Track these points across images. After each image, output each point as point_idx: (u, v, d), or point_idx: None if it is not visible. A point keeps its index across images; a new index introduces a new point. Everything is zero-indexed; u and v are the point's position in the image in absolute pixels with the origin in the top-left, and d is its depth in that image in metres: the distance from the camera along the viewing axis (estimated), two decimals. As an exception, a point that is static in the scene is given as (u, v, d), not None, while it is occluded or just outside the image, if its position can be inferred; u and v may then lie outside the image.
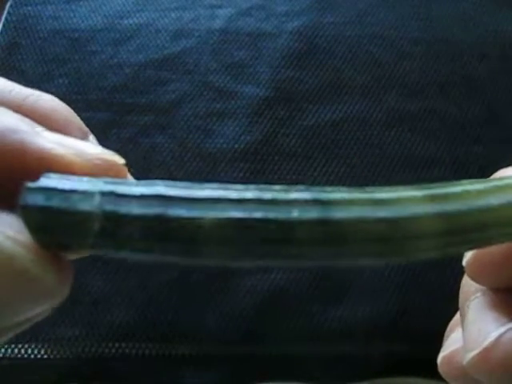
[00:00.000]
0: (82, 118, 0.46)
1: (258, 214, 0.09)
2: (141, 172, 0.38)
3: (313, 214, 0.09)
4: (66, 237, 0.10)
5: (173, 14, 0.47)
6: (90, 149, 0.11)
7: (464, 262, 0.14)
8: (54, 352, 0.31)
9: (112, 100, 0.41)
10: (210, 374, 0.32)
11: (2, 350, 0.31)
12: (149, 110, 0.41)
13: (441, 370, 0.16)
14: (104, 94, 0.42)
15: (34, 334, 0.32)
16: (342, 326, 0.33)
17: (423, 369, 0.32)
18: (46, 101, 0.13)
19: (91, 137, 0.14)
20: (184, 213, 0.09)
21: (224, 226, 0.09)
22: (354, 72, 0.43)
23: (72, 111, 0.14)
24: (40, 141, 0.11)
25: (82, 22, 0.46)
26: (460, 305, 0.15)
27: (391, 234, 0.09)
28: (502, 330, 0.12)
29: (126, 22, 0.46)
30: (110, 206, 0.10)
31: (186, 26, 0.46)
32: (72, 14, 0.47)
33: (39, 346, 0.31)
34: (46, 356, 0.31)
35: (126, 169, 0.12)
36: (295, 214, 0.09)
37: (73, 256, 0.12)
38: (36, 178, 0.10)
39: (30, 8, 0.47)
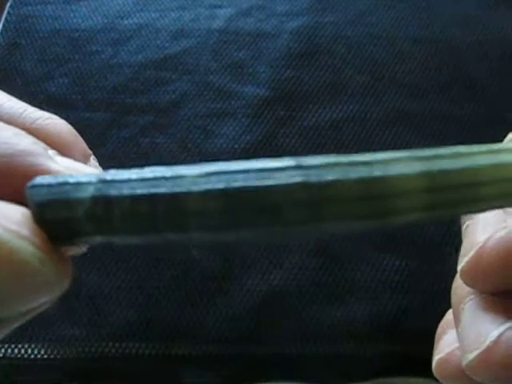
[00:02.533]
0: (81, 118, 0.46)
1: (238, 184, 0.09)
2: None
3: (295, 178, 0.09)
4: (62, 226, 0.10)
5: (173, 14, 0.47)
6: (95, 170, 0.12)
7: (459, 268, 0.14)
8: (54, 352, 0.31)
9: (112, 100, 0.41)
10: (210, 374, 0.32)
11: (2, 350, 0.31)
12: (149, 110, 0.41)
13: (436, 372, 0.15)
14: (104, 93, 0.42)
15: (34, 333, 0.32)
16: (342, 325, 0.33)
17: (423, 369, 0.32)
18: (55, 124, 0.14)
19: (92, 158, 0.15)
20: (169, 189, 0.10)
21: (208, 198, 0.09)
22: (353, 72, 0.43)
23: (77, 135, 0.14)
24: (52, 165, 0.11)
25: (82, 21, 0.46)
26: (453, 307, 0.15)
27: (371, 192, 0.09)
28: (502, 329, 0.12)
29: (125, 21, 0.46)
30: (98, 191, 0.10)
31: (186, 26, 0.46)
32: (72, 14, 0.47)
33: (39, 346, 0.31)
34: (45, 356, 0.31)
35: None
36: (276, 180, 0.09)
37: (74, 248, 0.13)
38: None
39: (29, 8, 0.47)
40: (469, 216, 0.14)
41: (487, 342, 0.12)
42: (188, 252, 0.35)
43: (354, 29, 0.46)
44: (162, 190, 0.10)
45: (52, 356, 0.31)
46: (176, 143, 0.39)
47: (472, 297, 0.14)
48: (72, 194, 0.10)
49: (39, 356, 0.31)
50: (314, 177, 0.09)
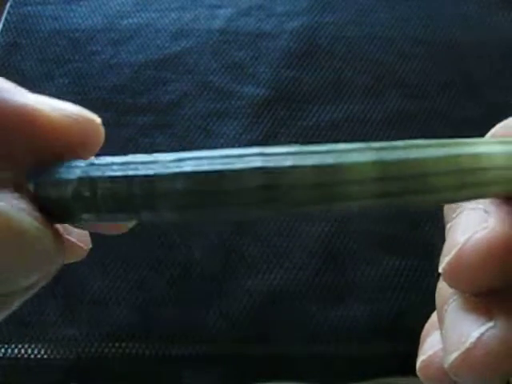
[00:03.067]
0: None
1: (203, 168, 0.10)
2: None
3: (255, 163, 0.10)
4: (55, 205, 0.11)
5: (173, 14, 0.47)
6: (71, 107, 0.12)
7: (440, 269, 0.14)
8: (54, 352, 0.31)
9: (112, 100, 0.41)
10: (210, 373, 0.32)
11: (2, 350, 0.31)
12: (149, 110, 0.41)
13: (420, 373, 0.16)
14: (104, 93, 0.42)
15: (34, 334, 0.32)
16: (342, 326, 0.33)
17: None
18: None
19: None
20: (143, 172, 0.11)
21: (176, 180, 0.11)
22: (354, 72, 0.43)
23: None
24: (22, 99, 0.11)
25: (82, 21, 0.46)
26: (437, 308, 0.15)
27: (324, 178, 0.10)
28: (483, 329, 0.12)
29: (125, 21, 0.46)
30: (84, 173, 0.11)
31: (186, 26, 0.46)
32: (72, 14, 0.47)
33: (39, 346, 0.31)
34: (46, 356, 0.31)
35: (102, 127, 0.13)
36: (237, 165, 0.10)
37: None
38: (18, 135, 0.11)
39: (29, 8, 0.47)
40: (452, 217, 0.14)
41: (468, 343, 0.12)
42: (188, 252, 0.35)
43: (354, 29, 0.46)
44: (138, 172, 0.11)
45: (52, 356, 0.31)
46: (176, 143, 0.39)
47: (455, 298, 0.14)
48: (63, 175, 0.11)
49: (39, 356, 0.31)
50: (272, 163, 0.10)
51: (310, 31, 0.46)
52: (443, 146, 0.11)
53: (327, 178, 0.10)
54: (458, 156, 0.11)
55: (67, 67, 0.43)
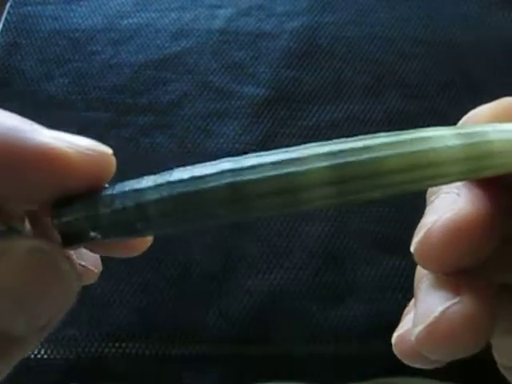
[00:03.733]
0: (81, 118, 0.46)
1: (176, 191, 0.12)
2: (141, 172, 0.38)
3: (225, 181, 0.11)
4: (73, 228, 0.13)
5: (173, 14, 0.47)
6: (85, 141, 0.13)
7: (412, 249, 0.14)
8: (54, 352, 0.31)
9: (112, 100, 0.41)
10: (210, 373, 0.32)
11: (2, 350, 0.31)
12: (149, 110, 0.41)
13: (395, 349, 0.16)
14: (104, 93, 0.42)
15: (33, 334, 0.32)
16: (342, 326, 0.33)
17: (423, 369, 0.32)
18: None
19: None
20: (134, 201, 0.12)
21: (159, 204, 0.12)
22: (353, 72, 0.43)
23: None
24: (40, 137, 0.12)
25: (82, 21, 0.46)
26: (414, 288, 0.16)
27: (285, 186, 0.11)
28: (447, 304, 0.13)
29: (125, 21, 0.46)
30: (94, 203, 0.13)
31: (186, 26, 0.46)
32: (72, 14, 0.47)
33: (39, 346, 0.31)
34: (46, 356, 0.31)
35: (113, 158, 0.14)
36: (208, 184, 0.12)
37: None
38: (37, 173, 0.12)
39: (29, 8, 0.47)
40: (431, 201, 0.15)
41: (432, 317, 0.13)
42: (188, 252, 0.35)
43: (354, 29, 0.46)
44: (130, 203, 0.12)
45: (52, 356, 0.31)
46: (176, 143, 0.39)
47: (428, 277, 0.14)
48: (77, 205, 0.13)
49: (39, 356, 0.31)
50: (239, 177, 0.11)
51: (310, 31, 0.46)
52: (399, 142, 0.12)
53: (286, 186, 0.11)
54: (411, 153, 0.12)
55: (67, 67, 0.43)
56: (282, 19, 0.47)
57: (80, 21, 0.46)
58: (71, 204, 0.13)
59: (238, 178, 0.11)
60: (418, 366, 0.14)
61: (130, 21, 0.46)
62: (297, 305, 0.33)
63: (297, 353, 0.32)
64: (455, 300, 0.13)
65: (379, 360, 0.32)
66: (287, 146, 0.12)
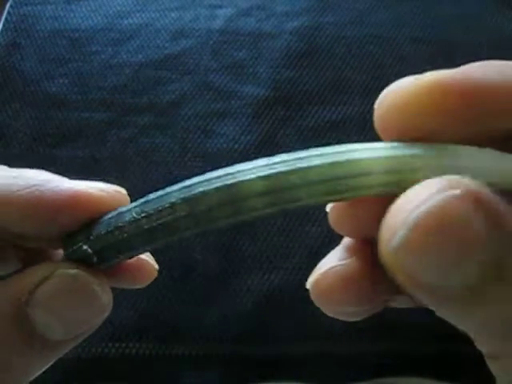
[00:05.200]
0: (81, 118, 0.46)
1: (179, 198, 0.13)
2: (141, 172, 0.38)
3: (181, 195, 0.13)
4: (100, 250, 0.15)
5: (173, 14, 0.47)
6: (105, 185, 0.15)
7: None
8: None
9: (112, 100, 0.41)
10: (210, 373, 0.32)
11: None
12: (149, 110, 0.41)
13: (313, 287, 0.16)
14: (104, 93, 0.42)
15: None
16: (342, 325, 0.33)
17: (424, 368, 0.32)
18: None
19: None
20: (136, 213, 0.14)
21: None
22: (353, 72, 0.43)
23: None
24: (70, 185, 0.15)
25: (82, 21, 0.46)
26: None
27: (230, 198, 0.13)
28: (333, 264, 0.14)
29: (125, 21, 0.46)
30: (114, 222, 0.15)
31: (186, 26, 0.46)
32: (72, 14, 0.47)
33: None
34: (45, 356, 0.31)
35: (126, 194, 0.16)
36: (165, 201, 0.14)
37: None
38: (68, 211, 0.15)
39: (29, 8, 0.47)
40: None
41: (319, 272, 0.14)
42: (189, 252, 0.35)
43: (354, 29, 0.46)
44: (149, 225, 0.14)
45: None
46: (176, 143, 0.39)
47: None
48: (97, 229, 0.15)
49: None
50: (188, 193, 0.13)
51: (310, 31, 0.46)
52: (326, 155, 0.13)
53: (229, 198, 0.13)
54: (333, 166, 0.13)
55: (67, 67, 0.43)
56: (282, 19, 0.47)
57: (80, 21, 0.46)
58: (76, 235, 0.15)
59: (190, 194, 0.13)
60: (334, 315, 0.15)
61: (130, 21, 0.46)
62: (297, 305, 0.33)
63: (296, 353, 0.32)
64: (343, 262, 0.14)
65: (379, 360, 0.32)
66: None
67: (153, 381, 0.33)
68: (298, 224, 0.36)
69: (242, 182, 0.13)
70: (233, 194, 0.13)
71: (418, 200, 0.10)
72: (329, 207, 0.15)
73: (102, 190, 0.15)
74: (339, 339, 0.32)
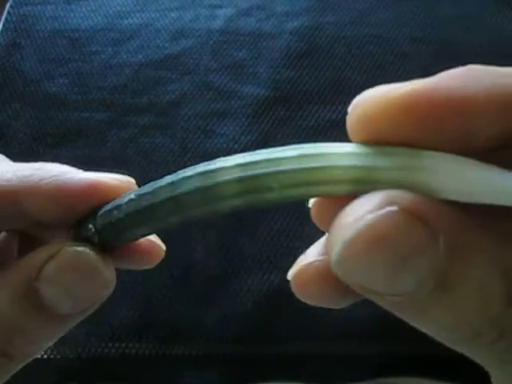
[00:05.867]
0: (81, 118, 0.46)
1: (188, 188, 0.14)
2: (141, 172, 0.38)
3: (167, 194, 0.15)
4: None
5: (173, 14, 0.47)
6: (117, 175, 0.17)
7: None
8: (54, 352, 0.31)
9: (112, 100, 0.41)
10: (210, 373, 0.32)
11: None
12: (149, 110, 0.41)
13: (294, 280, 0.17)
14: (104, 93, 0.42)
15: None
16: (342, 325, 0.33)
17: (423, 368, 0.32)
18: None
19: None
20: (137, 207, 0.15)
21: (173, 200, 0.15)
22: (353, 72, 0.43)
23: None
24: (85, 175, 0.16)
25: (82, 21, 0.46)
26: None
27: (208, 197, 0.14)
28: (312, 259, 0.15)
29: (125, 21, 0.46)
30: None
31: (186, 26, 0.46)
32: (72, 14, 0.47)
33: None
34: (46, 356, 0.31)
35: (135, 184, 0.17)
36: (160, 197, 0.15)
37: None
38: (83, 199, 0.16)
39: (29, 8, 0.47)
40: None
41: (299, 265, 0.15)
42: (189, 252, 0.35)
43: (354, 29, 0.46)
44: (140, 206, 0.15)
45: (52, 356, 0.31)
46: (176, 143, 0.39)
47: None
48: (104, 216, 0.16)
49: (39, 356, 0.31)
50: (176, 178, 0.15)
51: (310, 31, 0.46)
52: (296, 157, 0.14)
53: (207, 196, 0.14)
54: (302, 170, 0.13)
55: (67, 67, 0.43)
56: (282, 19, 0.47)
57: (80, 21, 0.46)
58: (85, 218, 0.16)
59: (177, 192, 0.14)
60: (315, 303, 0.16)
61: (130, 21, 0.46)
62: (297, 305, 0.33)
63: (297, 353, 0.32)
64: (322, 257, 0.15)
65: (379, 360, 0.32)
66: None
67: (153, 381, 0.33)
68: (298, 224, 0.36)
69: (218, 183, 0.14)
70: (209, 189, 0.14)
71: (353, 217, 0.11)
72: (310, 203, 0.15)
73: (116, 179, 0.16)
74: (339, 339, 0.32)
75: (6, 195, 0.15)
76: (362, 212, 0.11)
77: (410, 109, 0.12)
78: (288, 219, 0.36)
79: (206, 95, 0.42)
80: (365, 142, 0.13)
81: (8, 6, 0.47)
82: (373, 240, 0.11)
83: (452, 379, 0.31)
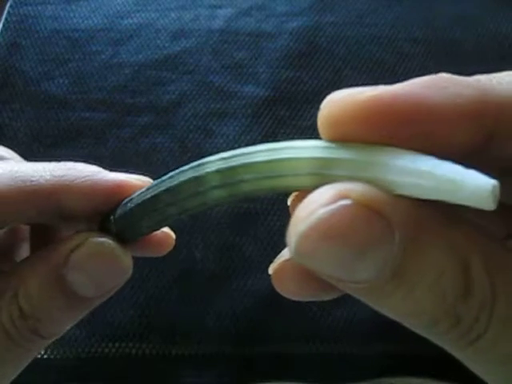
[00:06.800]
0: (81, 118, 0.46)
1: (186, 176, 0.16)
2: (141, 172, 0.38)
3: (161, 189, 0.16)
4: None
5: (173, 14, 0.47)
6: (140, 176, 0.19)
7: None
8: (54, 352, 0.31)
9: (112, 100, 0.41)
10: (210, 373, 0.32)
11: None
12: (149, 110, 0.41)
13: (274, 275, 0.17)
14: (104, 93, 0.42)
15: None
16: (342, 325, 0.33)
17: (423, 369, 0.32)
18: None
19: None
20: (140, 199, 0.17)
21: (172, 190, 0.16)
22: (353, 72, 0.43)
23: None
24: (113, 175, 0.18)
25: (82, 21, 0.46)
26: None
27: (197, 188, 0.15)
28: (288, 256, 0.16)
29: (125, 21, 0.46)
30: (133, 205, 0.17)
31: (186, 26, 0.46)
32: (72, 14, 0.47)
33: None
34: (46, 356, 0.31)
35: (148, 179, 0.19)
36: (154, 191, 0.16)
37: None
38: (106, 198, 0.18)
39: (30, 8, 0.47)
40: None
41: (278, 262, 0.15)
42: (189, 252, 0.35)
43: (354, 29, 0.46)
44: (144, 198, 0.17)
45: (52, 356, 0.31)
46: (176, 143, 0.39)
47: None
48: (120, 209, 0.18)
49: (39, 356, 0.31)
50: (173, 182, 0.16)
51: (310, 31, 0.46)
52: (266, 151, 0.14)
53: (196, 186, 0.15)
54: (269, 162, 0.14)
55: (67, 67, 0.43)
56: (282, 19, 0.47)
57: (80, 21, 0.46)
58: (109, 213, 0.18)
59: (173, 184, 0.16)
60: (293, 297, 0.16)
61: (130, 21, 0.46)
62: (297, 305, 0.33)
63: (297, 353, 0.32)
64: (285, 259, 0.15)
65: (379, 360, 0.32)
66: None
67: (153, 381, 0.33)
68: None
69: (204, 174, 0.15)
70: (197, 179, 0.15)
71: (307, 211, 0.12)
72: (289, 201, 0.16)
73: (139, 180, 0.18)
74: (339, 339, 0.32)
75: (45, 193, 0.17)
76: (315, 206, 0.11)
77: (367, 113, 0.13)
78: (288, 219, 0.36)
79: (206, 95, 0.42)
80: (332, 140, 0.14)
81: (8, 5, 0.47)
82: (326, 233, 0.11)
83: (452, 379, 0.31)
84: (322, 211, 0.11)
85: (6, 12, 0.47)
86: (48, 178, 0.17)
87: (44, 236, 0.22)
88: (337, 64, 0.44)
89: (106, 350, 0.32)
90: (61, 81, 0.42)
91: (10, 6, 0.47)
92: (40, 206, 0.17)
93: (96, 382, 0.32)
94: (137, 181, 0.18)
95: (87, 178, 0.18)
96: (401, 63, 0.44)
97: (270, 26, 0.46)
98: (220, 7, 0.47)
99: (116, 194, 0.18)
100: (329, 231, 0.11)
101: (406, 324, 0.13)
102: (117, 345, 0.32)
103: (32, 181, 0.17)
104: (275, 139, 0.40)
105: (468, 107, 0.12)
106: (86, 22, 0.46)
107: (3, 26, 0.46)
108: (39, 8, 0.47)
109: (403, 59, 0.44)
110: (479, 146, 0.13)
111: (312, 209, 0.11)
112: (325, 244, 0.11)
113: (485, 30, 0.47)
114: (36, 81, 0.42)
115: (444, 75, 0.13)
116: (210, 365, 0.32)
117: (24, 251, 0.22)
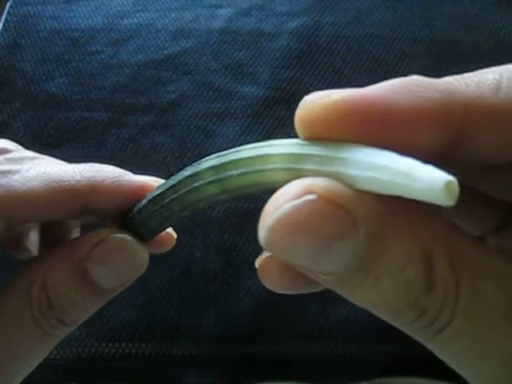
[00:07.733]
0: (81, 118, 0.46)
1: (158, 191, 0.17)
2: (141, 172, 0.38)
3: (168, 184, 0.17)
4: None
5: (173, 14, 0.47)
6: (159, 179, 0.20)
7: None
8: (54, 352, 0.31)
9: (112, 100, 0.41)
10: (210, 373, 0.32)
11: (2, 350, 0.31)
12: (149, 110, 0.41)
13: (260, 270, 0.17)
14: (104, 93, 0.42)
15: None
16: (342, 326, 0.33)
17: (423, 369, 0.32)
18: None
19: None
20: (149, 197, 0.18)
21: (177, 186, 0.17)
22: (353, 72, 0.43)
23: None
24: (137, 177, 0.20)
25: (82, 21, 0.46)
26: None
27: (194, 184, 0.16)
28: (264, 256, 0.16)
29: (125, 21, 0.46)
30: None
31: (186, 26, 0.46)
32: (72, 14, 0.47)
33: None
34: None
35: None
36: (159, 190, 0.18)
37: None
38: (128, 197, 0.19)
39: (29, 8, 0.47)
40: None
41: (262, 257, 0.16)
42: (189, 252, 0.35)
43: (354, 29, 0.46)
44: (153, 195, 0.18)
45: (52, 356, 0.31)
46: (176, 143, 0.39)
47: None
48: (136, 207, 0.19)
49: (39, 356, 0.31)
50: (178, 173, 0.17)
51: (310, 31, 0.46)
52: (249, 148, 0.15)
53: (193, 183, 0.16)
54: (252, 158, 0.15)
55: (67, 67, 0.43)
56: (282, 19, 0.47)
57: (80, 21, 0.46)
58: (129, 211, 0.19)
59: (176, 180, 0.17)
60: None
61: (130, 21, 0.46)
62: (297, 305, 0.33)
63: (296, 353, 0.32)
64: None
65: (379, 360, 0.32)
66: None
67: (153, 381, 0.33)
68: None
69: (199, 170, 0.16)
70: (194, 175, 0.16)
71: (274, 205, 0.12)
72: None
73: (157, 182, 0.20)
74: (339, 339, 0.32)
75: (77, 194, 0.18)
76: (282, 200, 0.12)
77: (335, 115, 0.13)
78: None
79: (206, 95, 0.42)
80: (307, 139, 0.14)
81: (8, 5, 0.47)
82: (291, 227, 0.12)
83: (452, 379, 0.31)
84: (288, 205, 0.12)
85: (5, 12, 0.47)
86: (79, 178, 0.18)
87: (53, 225, 0.23)
88: (337, 64, 0.44)
89: (106, 350, 0.32)
90: (61, 81, 0.42)
91: (10, 6, 0.47)
92: (70, 206, 0.18)
93: (96, 382, 0.32)
94: (155, 182, 0.20)
95: (115, 180, 0.19)
96: (401, 63, 0.44)
97: (270, 26, 0.46)
98: (220, 7, 0.47)
99: (139, 195, 0.19)
100: (294, 225, 0.12)
101: (376, 314, 0.13)
102: (117, 345, 0.32)
103: (64, 182, 0.18)
104: (275, 139, 0.40)
105: (433, 110, 0.13)
106: (85, 21, 0.46)
107: (3, 26, 0.46)
108: (39, 8, 0.47)
109: (403, 59, 0.44)
110: (449, 146, 0.13)
111: (279, 203, 0.12)
112: (291, 237, 0.12)
113: (485, 30, 0.47)
114: (36, 81, 0.42)
115: (414, 77, 0.14)
116: (210, 365, 0.32)
117: (33, 236, 0.23)
